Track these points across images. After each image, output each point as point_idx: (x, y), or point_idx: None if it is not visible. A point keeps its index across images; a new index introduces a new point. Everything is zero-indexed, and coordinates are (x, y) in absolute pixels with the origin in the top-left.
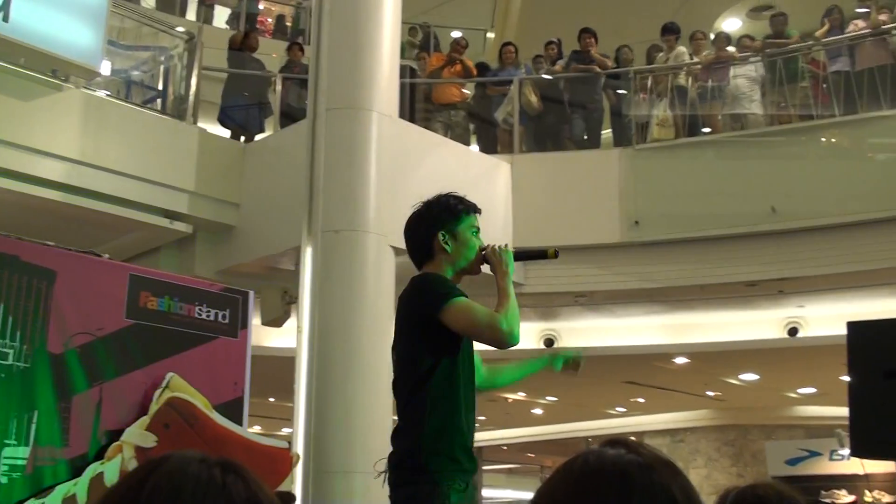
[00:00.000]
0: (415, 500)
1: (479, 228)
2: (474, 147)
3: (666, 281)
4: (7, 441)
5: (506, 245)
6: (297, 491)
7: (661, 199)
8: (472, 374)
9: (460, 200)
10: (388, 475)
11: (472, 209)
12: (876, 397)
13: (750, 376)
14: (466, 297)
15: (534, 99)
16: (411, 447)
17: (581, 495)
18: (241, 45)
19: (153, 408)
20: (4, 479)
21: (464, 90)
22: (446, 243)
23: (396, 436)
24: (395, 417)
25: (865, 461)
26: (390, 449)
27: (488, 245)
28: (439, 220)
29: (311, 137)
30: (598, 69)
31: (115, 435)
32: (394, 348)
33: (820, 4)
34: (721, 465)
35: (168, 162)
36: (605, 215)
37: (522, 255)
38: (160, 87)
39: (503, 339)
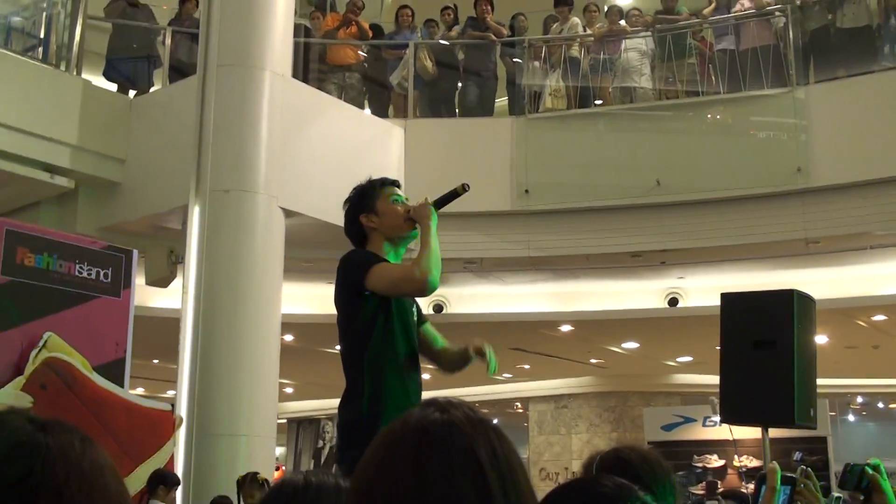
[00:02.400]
0: None
1: (400, 195)
2: (367, 110)
3: (553, 250)
4: None
5: (426, 199)
6: (180, 454)
7: (552, 169)
8: (412, 338)
9: (373, 180)
10: (336, 442)
11: (386, 182)
12: (745, 366)
13: (631, 345)
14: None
15: (429, 64)
16: (355, 414)
17: (384, 457)
18: None
19: (29, 368)
20: None
21: (359, 52)
22: (371, 221)
23: (342, 405)
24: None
25: (734, 427)
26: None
27: (411, 206)
28: (358, 204)
29: (201, 94)
30: (493, 37)
31: None
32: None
33: None
34: (602, 431)
35: (49, 114)
36: (497, 183)
37: (440, 203)
38: (42, 35)
39: (420, 286)
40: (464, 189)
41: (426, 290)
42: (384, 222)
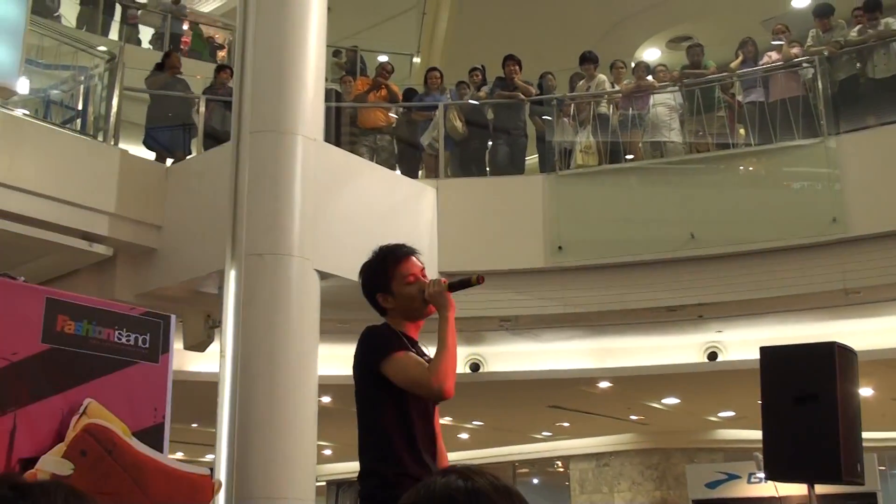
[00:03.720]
0: None
1: (415, 272)
2: (398, 172)
3: (589, 306)
4: None
5: (441, 281)
6: None
7: (584, 225)
8: (430, 416)
9: (384, 257)
10: None
11: (400, 256)
12: (788, 421)
13: (671, 400)
14: (405, 349)
15: (459, 124)
16: (370, 477)
17: None
18: (164, 65)
19: (70, 434)
20: None
21: (389, 115)
22: (387, 301)
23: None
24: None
25: (779, 484)
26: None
27: (426, 289)
28: (373, 284)
29: (235, 160)
30: (521, 96)
31: (31, 463)
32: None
33: (735, 37)
34: (645, 489)
35: (87, 183)
36: (530, 240)
37: (453, 287)
38: (80, 106)
39: (435, 395)
40: (478, 281)
41: (439, 399)
42: (402, 305)
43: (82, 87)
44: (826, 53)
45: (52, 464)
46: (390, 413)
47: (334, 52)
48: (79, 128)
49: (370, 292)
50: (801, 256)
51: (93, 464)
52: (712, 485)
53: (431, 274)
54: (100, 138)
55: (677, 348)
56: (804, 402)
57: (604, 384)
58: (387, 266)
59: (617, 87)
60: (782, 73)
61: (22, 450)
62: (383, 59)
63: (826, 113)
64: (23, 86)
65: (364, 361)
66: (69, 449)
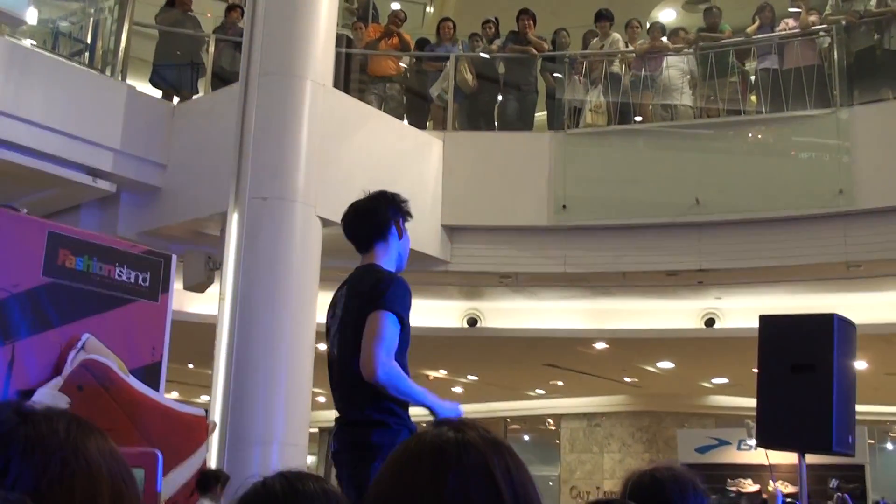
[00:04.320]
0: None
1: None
2: (406, 122)
3: (589, 266)
4: None
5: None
6: (213, 459)
7: (590, 185)
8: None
9: (402, 204)
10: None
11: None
12: (783, 390)
13: (666, 364)
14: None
15: (469, 77)
16: (371, 424)
17: (400, 475)
18: (175, 1)
19: (67, 369)
20: None
21: (400, 63)
22: (399, 231)
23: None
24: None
25: (770, 451)
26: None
27: None
28: (400, 209)
29: (243, 102)
30: (534, 51)
31: (27, 395)
32: (344, 328)
33: (753, 2)
34: (634, 451)
35: (93, 117)
36: (534, 198)
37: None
38: (88, 39)
39: (370, 375)
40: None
41: (367, 378)
42: (402, 244)
43: (92, 19)
44: (844, 23)
45: (49, 397)
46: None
47: None
48: (87, 61)
49: (394, 213)
50: (804, 227)
51: (89, 399)
52: (702, 449)
53: (435, 226)
54: (107, 73)
55: (675, 313)
56: (800, 371)
57: (600, 345)
58: (408, 213)
59: (631, 47)
60: (798, 40)
61: (19, 381)
62: (396, 6)
63: (840, 83)
64: (31, 16)
65: (389, 305)
66: (66, 383)
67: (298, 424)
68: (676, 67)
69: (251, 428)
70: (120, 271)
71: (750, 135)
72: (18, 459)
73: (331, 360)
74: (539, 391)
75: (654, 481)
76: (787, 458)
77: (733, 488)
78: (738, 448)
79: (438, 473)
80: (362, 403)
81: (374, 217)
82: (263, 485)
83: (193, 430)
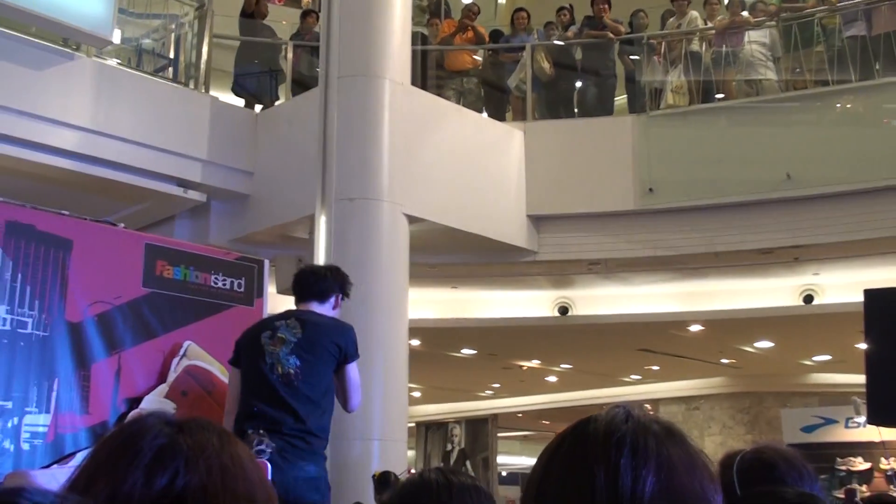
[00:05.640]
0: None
1: None
2: (486, 114)
3: (680, 248)
4: (28, 409)
5: None
6: None
7: (675, 166)
8: None
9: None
10: (292, 445)
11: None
12: (892, 365)
13: (765, 344)
14: None
15: (546, 65)
16: (321, 431)
17: (574, 457)
18: (252, 12)
19: (171, 376)
20: (26, 446)
21: (476, 57)
22: (338, 304)
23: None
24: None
25: (882, 428)
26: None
27: None
28: (344, 288)
29: (324, 105)
30: (611, 35)
31: (135, 402)
32: (306, 355)
33: None
34: (736, 433)
35: (180, 130)
36: (619, 182)
37: None
38: (171, 55)
39: (354, 406)
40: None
41: (353, 409)
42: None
43: (173, 35)
44: None
45: (156, 403)
46: (332, 392)
47: None
48: (171, 76)
49: (341, 289)
50: None
51: (193, 403)
52: (808, 429)
53: (520, 217)
54: (191, 86)
55: (771, 291)
56: None
57: (695, 327)
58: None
59: (709, 24)
60: (887, 4)
61: (126, 389)
62: (468, 0)
63: None
64: (116, 35)
65: (347, 350)
66: (171, 389)
67: (397, 420)
68: (759, 41)
69: (351, 426)
70: (216, 279)
71: (839, 105)
72: (184, 467)
73: (266, 374)
74: (634, 377)
75: (762, 463)
76: None
77: (843, 467)
78: (846, 426)
79: (601, 455)
80: (317, 414)
81: (326, 284)
82: (420, 476)
83: None
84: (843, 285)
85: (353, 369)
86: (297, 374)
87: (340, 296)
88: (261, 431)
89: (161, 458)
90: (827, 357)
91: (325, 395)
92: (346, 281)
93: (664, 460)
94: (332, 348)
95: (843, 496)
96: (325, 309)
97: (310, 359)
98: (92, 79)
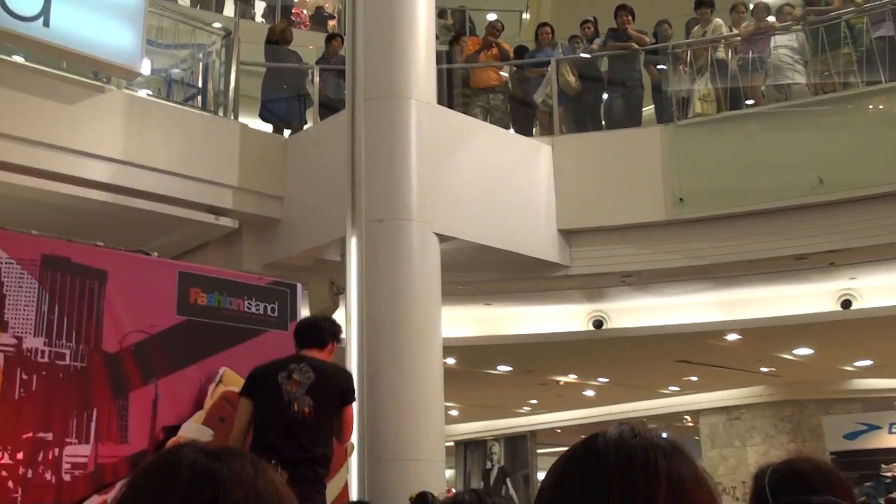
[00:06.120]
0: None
1: None
2: (513, 130)
3: (713, 257)
4: (68, 440)
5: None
6: (353, 479)
7: (706, 175)
8: None
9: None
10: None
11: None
12: None
13: (804, 351)
14: None
15: (572, 79)
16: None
17: (576, 473)
18: (278, 38)
19: (208, 402)
20: (67, 477)
21: (501, 73)
22: (333, 350)
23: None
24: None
25: None
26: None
27: None
28: (337, 336)
29: (351, 127)
30: (635, 46)
31: (173, 430)
32: (318, 396)
33: None
34: (779, 442)
35: (211, 158)
36: (649, 193)
37: None
38: (200, 84)
39: (347, 439)
40: None
41: (347, 442)
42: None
43: (201, 64)
44: None
45: (194, 431)
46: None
47: (439, 12)
48: (200, 104)
49: (335, 338)
50: None
51: (231, 429)
52: (851, 436)
53: (551, 232)
54: (220, 113)
55: (808, 297)
56: None
57: (732, 336)
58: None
59: (735, 31)
60: None
61: (164, 418)
62: (492, 17)
63: None
64: (146, 67)
65: (348, 393)
66: (208, 416)
67: (434, 440)
68: (786, 46)
69: (388, 447)
70: (249, 304)
71: (871, 106)
72: (223, 494)
73: (283, 410)
74: (673, 388)
75: (793, 473)
76: None
77: (888, 473)
78: (890, 432)
79: (614, 473)
80: (322, 445)
81: (324, 332)
82: (454, 499)
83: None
84: (881, 289)
85: (349, 410)
86: (311, 413)
87: (334, 342)
88: (273, 461)
89: (199, 486)
90: (868, 362)
91: (329, 431)
92: (339, 330)
93: (675, 476)
94: (336, 392)
95: None
96: (324, 354)
97: (320, 400)
98: (122, 110)
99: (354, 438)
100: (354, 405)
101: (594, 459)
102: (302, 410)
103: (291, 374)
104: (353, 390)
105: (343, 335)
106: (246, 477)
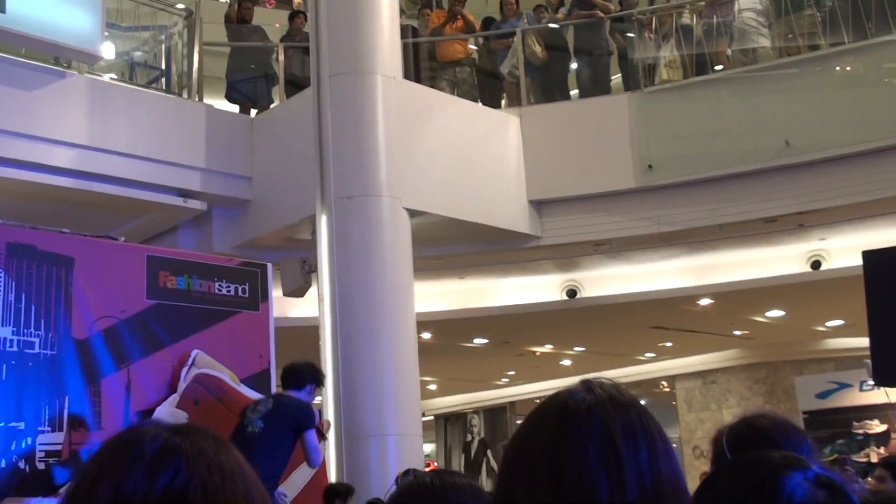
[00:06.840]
0: None
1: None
2: (481, 103)
3: (684, 223)
4: (41, 428)
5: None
6: (332, 456)
7: (674, 141)
8: None
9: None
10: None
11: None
12: (894, 325)
13: (776, 313)
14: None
15: (538, 49)
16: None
17: (528, 430)
18: (236, 18)
19: (181, 385)
20: (41, 466)
21: (468, 46)
22: (312, 392)
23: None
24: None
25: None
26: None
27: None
28: (318, 379)
29: (317, 105)
30: (600, 14)
31: (147, 415)
32: (270, 422)
33: None
34: (754, 404)
35: (177, 140)
36: (619, 161)
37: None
38: (163, 66)
39: (315, 463)
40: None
41: (316, 468)
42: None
43: (163, 46)
44: None
45: (168, 414)
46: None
47: None
48: (164, 87)
49: (313, 381)
50: None
51: (205, 411)
52: (823, 395)
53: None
54: (185, 95)
55: (778, 259)
56: None
57: (704, 301)
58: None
59: None
60: None
61: (138, 402)
62: None
63: None
64: (107, 50)
65: (303, 421)
66: (182, 399)
67: (410, 414)
68: (750, 9)
69: (364, 422)
70: (219, 286)
71: (836, 68)
72: (184, 466)
73: (242, 431)
74: (649, 354)
75: (751, 428)
76: None
77: (860, 430)
78: (861, 389)
79: (560, 429)
80: (261, 467)
81: (301, 376)
82: (415, 478)
83: None
84: (850, 249)
85: (310, 436)
86: (259, 433)
87: (315, 385)
88: None
89: (161, 458)
90: (840, 322)
91: (279, 451)
92: (321, 374)
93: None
94: (290, 419)
95: (864, 460)
96: (301, 395)
97: (272, 424)
98: (85, 95)
99: (330, 416)
100: (329, 412)
101: (566, 418)
102: (253, 431)
103: (257, 405)
104: (311, 419)
105: (326, 378)
106: (208, 451)
